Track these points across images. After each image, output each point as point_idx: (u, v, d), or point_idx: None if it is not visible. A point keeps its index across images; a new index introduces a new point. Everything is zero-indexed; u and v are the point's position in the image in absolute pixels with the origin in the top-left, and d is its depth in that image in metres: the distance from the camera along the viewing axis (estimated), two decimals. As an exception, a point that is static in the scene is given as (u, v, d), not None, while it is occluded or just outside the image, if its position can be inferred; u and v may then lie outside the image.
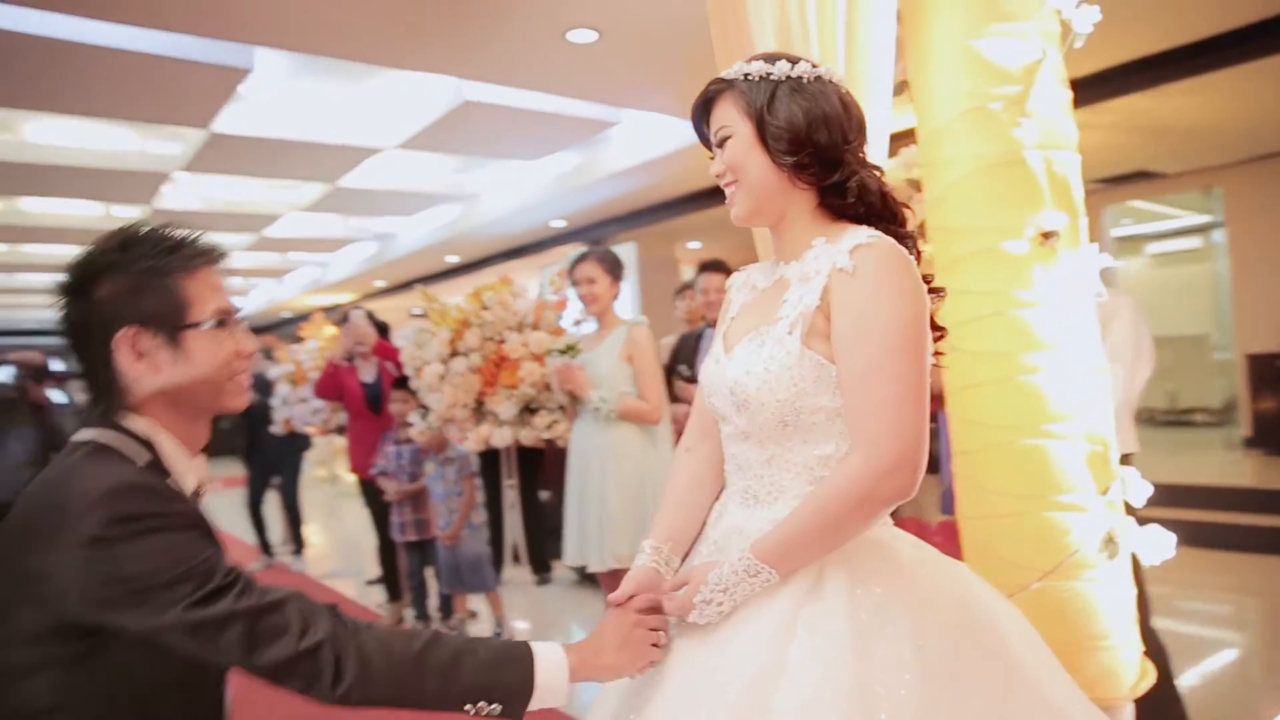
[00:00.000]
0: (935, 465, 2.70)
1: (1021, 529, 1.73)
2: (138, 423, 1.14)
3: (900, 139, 2.07)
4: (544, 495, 5.68)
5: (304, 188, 8.21)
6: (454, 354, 4.26)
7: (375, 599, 5.22)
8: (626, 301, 9.53)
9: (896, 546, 1.21)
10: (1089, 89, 5.17)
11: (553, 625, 4.74)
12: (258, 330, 16.86)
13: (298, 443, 6.57)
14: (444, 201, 9.36)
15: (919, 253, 1.27)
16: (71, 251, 1.17)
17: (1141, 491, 1.78)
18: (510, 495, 5.35)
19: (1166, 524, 1.79)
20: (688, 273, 9.05)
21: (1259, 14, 4.48)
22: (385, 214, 10.02)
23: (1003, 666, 1.12)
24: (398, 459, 4.40)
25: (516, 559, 5.56)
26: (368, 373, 4.77)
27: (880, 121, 1.73)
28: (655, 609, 1.22)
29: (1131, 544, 1.75)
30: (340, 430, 6.05)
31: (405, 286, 13.53)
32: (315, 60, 5.19)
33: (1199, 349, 9.01)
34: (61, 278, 1.13)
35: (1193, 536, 4.07)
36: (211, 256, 1.19)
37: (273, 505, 6.68)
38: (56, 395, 4.61)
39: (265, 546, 6.52)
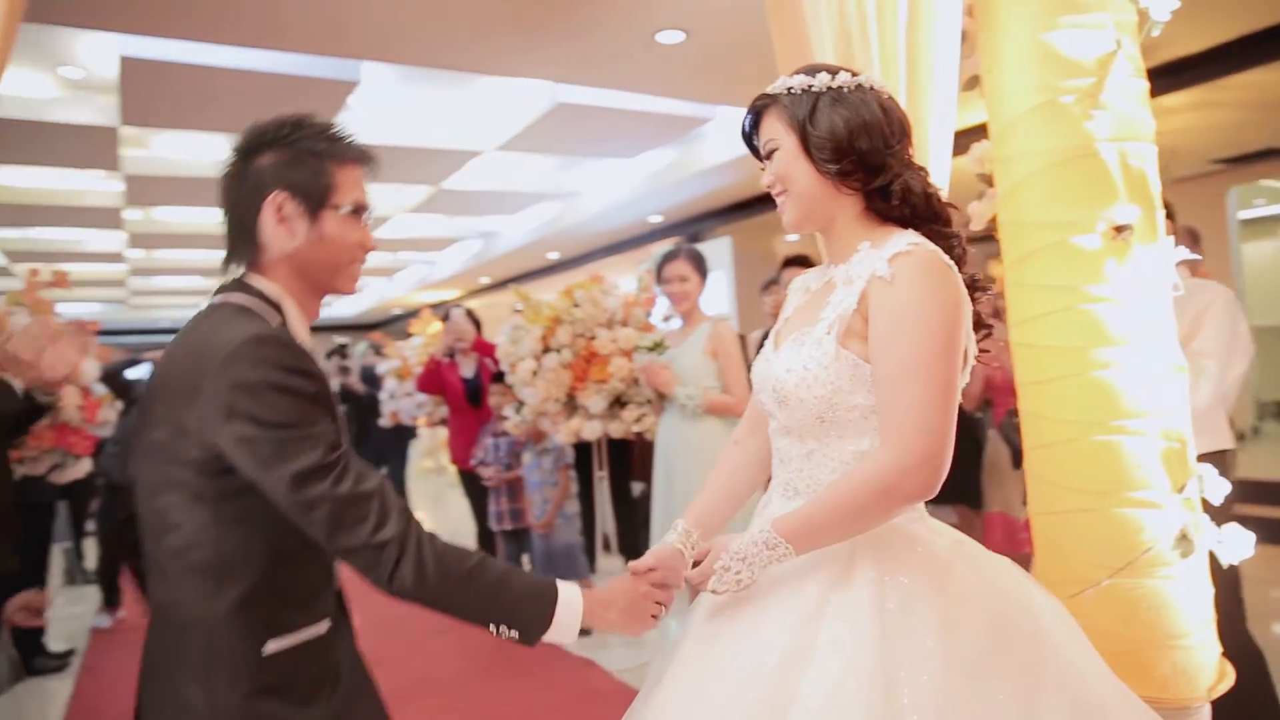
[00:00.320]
0: (1020, 460, 2.64)
1: (1093, 525, 1.71)
2: (268, 286, 1.24)
3: (973, 134, 2.06)
4: (638, 488, 5.78)
5: (411, 190, 8.57)
6: (546, 350, 4.40)
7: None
8: (723, 296, 9.54)
9: (931, 539, 1.25)
10: (1204, 66, 4.91)
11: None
12: (370, 327, 17.69)
13: (404, 434, 6.90)
14: (544, 200, 9.58)
15: (965, 250, 1.30)
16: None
17: (1220, 489, 1.73)
18: (602, 486, 5.48)
19: None
20: (783, 266, 8.97)
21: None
22: (488, 213, 10.31)
23: (1037, 661, 1.14)
24: (495, 451, 4.59)
25: (608, 548, 5.69)
26: (467, 368, 4.98)
27: (945, 118, 1.74)
28: (665, 585, 1.31)
29: (1208, 542, 1.71)
30: (444, 423, 6.33)
31: (509, 283, 13.91)
32: (416, 70, 5.45)
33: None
34: (236, 140, 1.28)
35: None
36: (364, 159, 1.30)
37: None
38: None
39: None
